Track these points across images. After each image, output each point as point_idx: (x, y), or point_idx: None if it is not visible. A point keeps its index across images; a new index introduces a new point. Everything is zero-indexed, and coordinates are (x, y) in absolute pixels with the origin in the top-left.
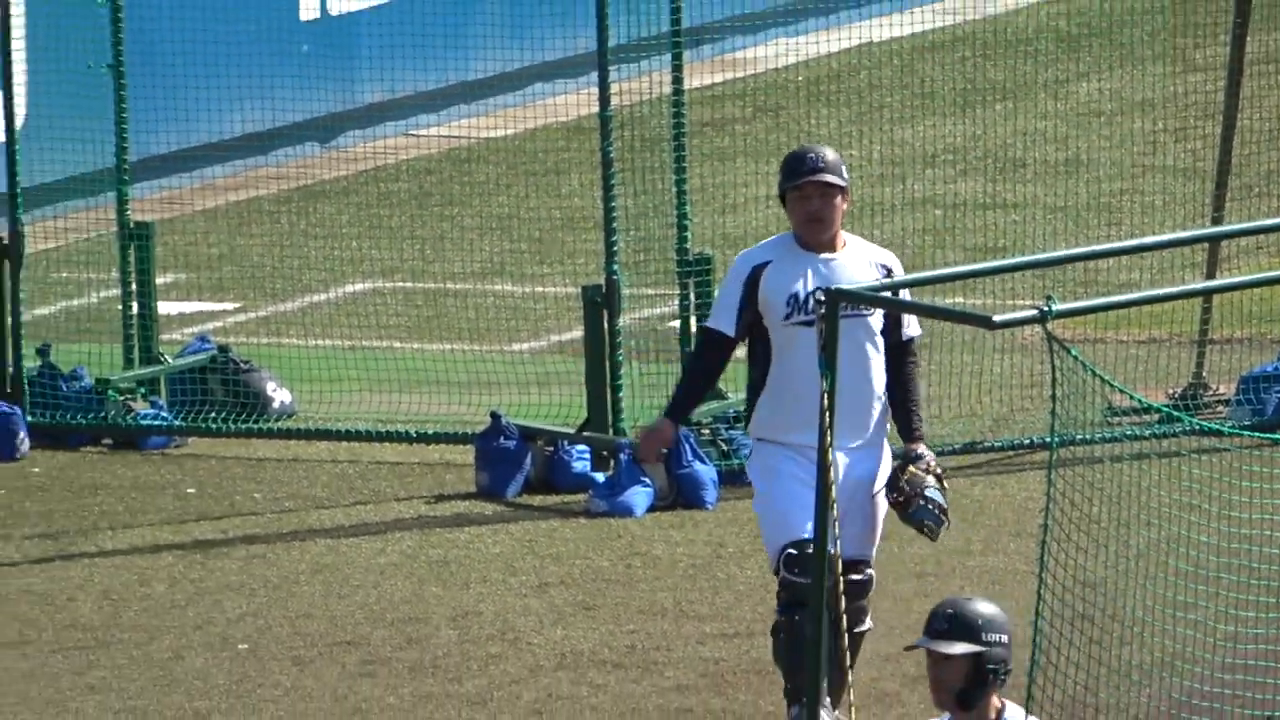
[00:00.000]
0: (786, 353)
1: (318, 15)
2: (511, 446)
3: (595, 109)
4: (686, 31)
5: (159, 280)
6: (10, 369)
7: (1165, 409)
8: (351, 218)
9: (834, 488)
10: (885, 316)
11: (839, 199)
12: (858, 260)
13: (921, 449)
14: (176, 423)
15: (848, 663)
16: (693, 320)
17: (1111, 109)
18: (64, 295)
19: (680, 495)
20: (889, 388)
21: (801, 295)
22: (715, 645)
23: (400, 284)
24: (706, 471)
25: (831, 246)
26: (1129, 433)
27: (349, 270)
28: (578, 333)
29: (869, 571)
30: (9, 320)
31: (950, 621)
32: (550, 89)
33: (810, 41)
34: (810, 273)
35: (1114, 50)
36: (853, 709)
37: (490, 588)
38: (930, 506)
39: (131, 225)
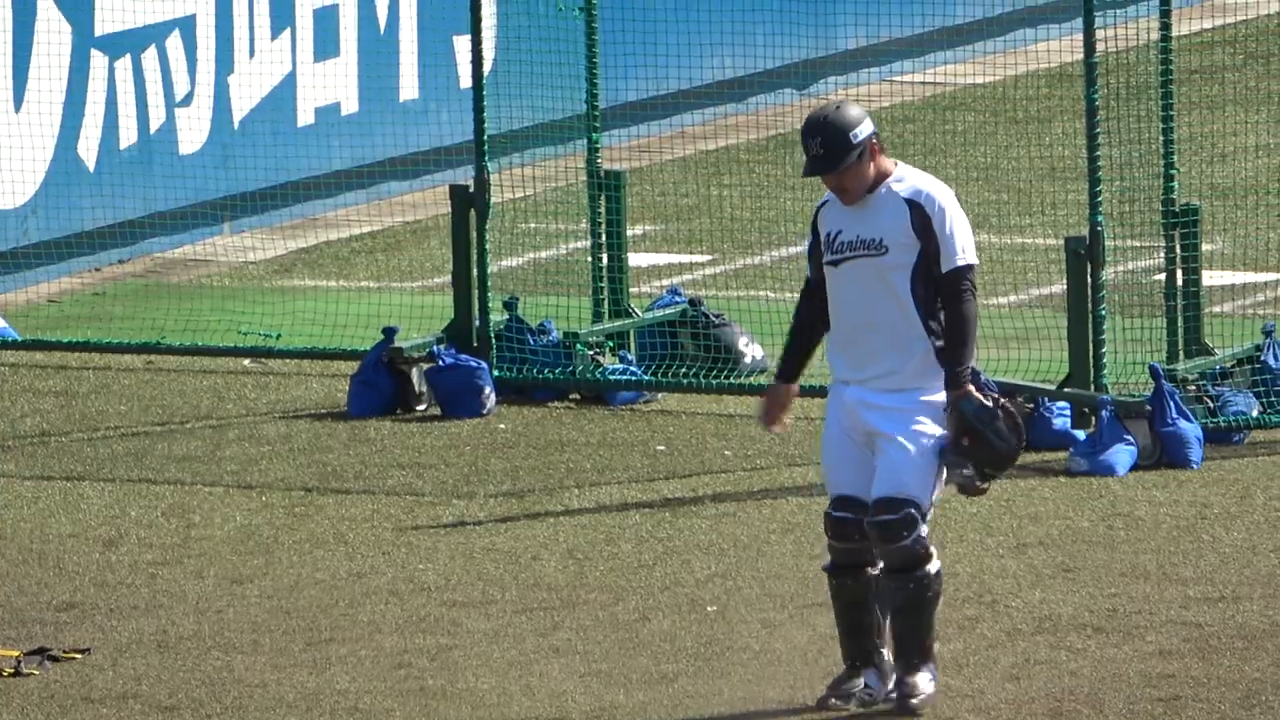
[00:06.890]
0: (831, 293)
1: None
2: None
3: (1080, 55)
4: None
5: (629, 231)
6: (477, 323)
7: None
8: None
9: (841, 423)
10: (920, 254)
11: (854, 168)
12: (886, 205)
13: (953, 398)
14: (646, 378)
15: (884, 619)
16: (1179, 274)
17: None
18: (531, 246)
19: (1164, 454)
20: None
21: (833, 236)
22: (1199, 609)
23: None
24: (1191, 429)
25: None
26: None
27: None
28: (1059, 286)
29: (903, 513)
30: (475, 272)
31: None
32: (1034, 35)
33: None
34: (843, 217)
35: None
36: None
37: (967, 548)
38: (955, 468)
39: (602, 174)
